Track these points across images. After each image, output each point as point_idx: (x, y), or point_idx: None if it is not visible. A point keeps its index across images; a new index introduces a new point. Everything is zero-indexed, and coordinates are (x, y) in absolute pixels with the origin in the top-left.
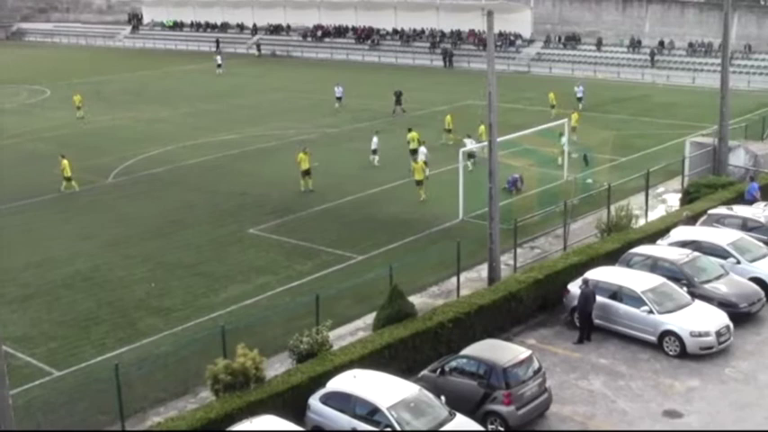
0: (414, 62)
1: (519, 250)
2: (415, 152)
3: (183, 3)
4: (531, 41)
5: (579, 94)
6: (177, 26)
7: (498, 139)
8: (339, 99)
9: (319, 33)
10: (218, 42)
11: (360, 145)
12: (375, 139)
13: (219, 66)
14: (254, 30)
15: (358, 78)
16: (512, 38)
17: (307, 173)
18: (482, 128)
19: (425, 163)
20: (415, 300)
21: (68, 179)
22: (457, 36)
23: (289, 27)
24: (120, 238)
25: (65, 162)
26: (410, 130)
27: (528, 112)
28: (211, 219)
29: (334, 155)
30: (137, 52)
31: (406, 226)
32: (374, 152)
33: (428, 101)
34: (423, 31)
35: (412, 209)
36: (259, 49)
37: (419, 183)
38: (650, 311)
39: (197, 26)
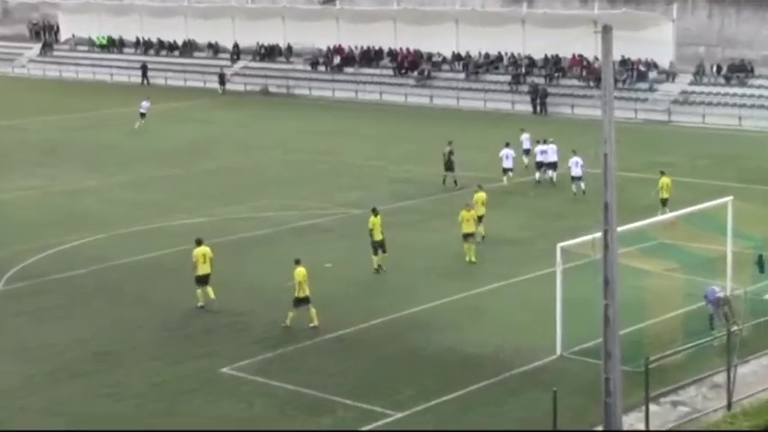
0: (485, 105)
1: (654, 407)
2: (378, 247)
3: (124, 9)
4: (672, 73)
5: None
6: (114, 46)
7: (619, 228)
8: (508, 171)
9: (337, 60)
10: (144, 69)
11: (399, 234)
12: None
13: (143, 115)
14: (236, 53)
15: (397, 131)
16: (641, 67)
17: (203, 280)
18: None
19: None
20: None
21: None
22: (554, 64)
23: (290, 49)
24: (14, 381)
25: None
26: (375, 213)
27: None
28: (162, 349)
29: (357, 250)
30: (49, 85)
31: (471, 365)
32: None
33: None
34: (500, 57)
35: (479, 338)
36: (223, 83)
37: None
38: None
39: (145, 46)
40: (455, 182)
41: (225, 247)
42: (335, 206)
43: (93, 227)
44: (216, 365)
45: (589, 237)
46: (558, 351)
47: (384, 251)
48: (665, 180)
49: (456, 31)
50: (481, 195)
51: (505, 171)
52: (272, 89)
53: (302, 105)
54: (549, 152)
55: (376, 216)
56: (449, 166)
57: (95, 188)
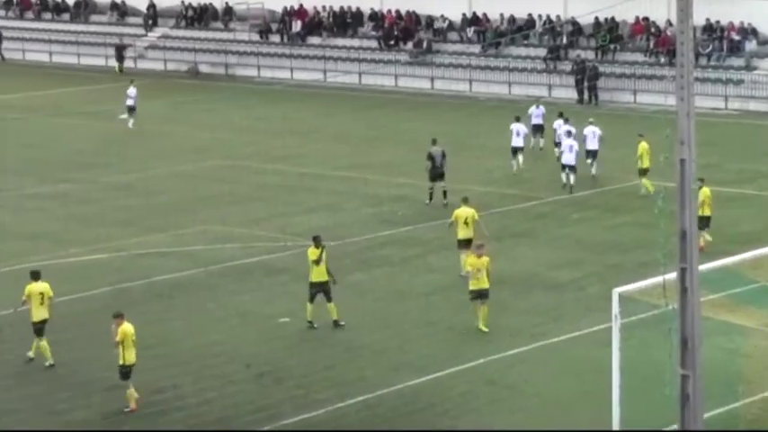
0: (510, 91)
1: None
2: (318, 292)
3: None
4: None
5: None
6: None
7: (702, 266)
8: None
9: (298, 26)
10: None
11: (384, 274)
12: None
13: (132, 109)
14: (152, 16)
15: (384, 128)
16: (734, 36)
17: (40, 328)
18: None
19: None
20: None
21: None
22: (608, 32)
23: (229, 11)
24: None
25: None
26: (317, 244)
27: None
28: None
29: (323, 297)
30: None
31: None
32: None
33: (537, 182)
34: (531, 22)
35: (504, 422)
36: (121, 58)
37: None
38: None
39: (20, 7)
40: (444, 194)
41: (137, 294)
42: (292, 236)
43: None
44: None
45: (659, 278)
46: None
47: (330, 299)
48: (706, 191)
49: None
50: (466, 212)
51: (515, 152)
52: (203, 69)
53: (247, 92)
54: (588, 138)
55: (318, 247)
56: (436, 173)
57: None
